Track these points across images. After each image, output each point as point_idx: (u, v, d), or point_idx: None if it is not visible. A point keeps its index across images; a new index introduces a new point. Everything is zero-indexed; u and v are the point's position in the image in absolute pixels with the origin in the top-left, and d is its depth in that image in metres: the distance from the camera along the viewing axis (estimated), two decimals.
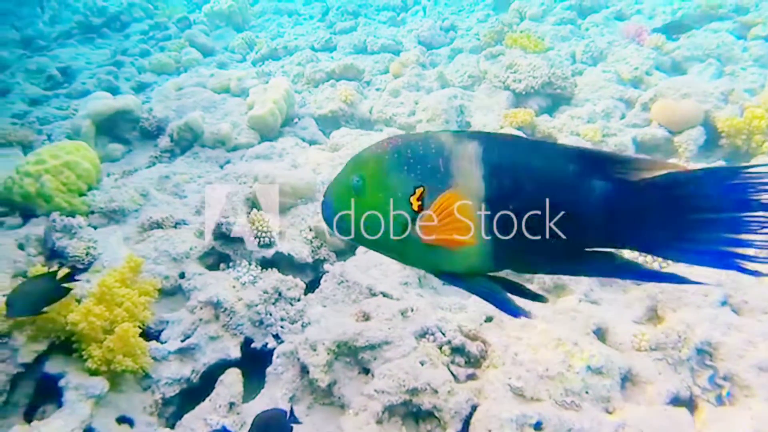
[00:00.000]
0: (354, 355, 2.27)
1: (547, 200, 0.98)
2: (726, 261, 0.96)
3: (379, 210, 1.00)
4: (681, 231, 0.98)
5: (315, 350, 2.26)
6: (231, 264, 2.80)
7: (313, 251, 2.84)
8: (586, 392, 2.06)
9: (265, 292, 2.51)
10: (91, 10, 7.69)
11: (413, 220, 0.98)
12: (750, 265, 0.94)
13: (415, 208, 0.98)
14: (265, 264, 2.78)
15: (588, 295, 2.56)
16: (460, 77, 4.75)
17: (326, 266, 2.75)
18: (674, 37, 4.88)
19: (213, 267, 2.87)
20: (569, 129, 4.01)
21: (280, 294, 2.53)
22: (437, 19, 6.38)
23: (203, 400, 2.26)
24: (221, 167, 3.73)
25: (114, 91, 5.46)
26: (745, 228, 0.94)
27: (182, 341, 2.44)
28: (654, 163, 0.98)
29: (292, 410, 1.95)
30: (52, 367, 2.27)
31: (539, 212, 0.98)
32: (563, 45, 5.37)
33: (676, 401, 2.10)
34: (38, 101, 5.52)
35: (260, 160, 3.60)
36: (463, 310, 2.52)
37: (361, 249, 2.81)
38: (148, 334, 2.45)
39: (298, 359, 2.28)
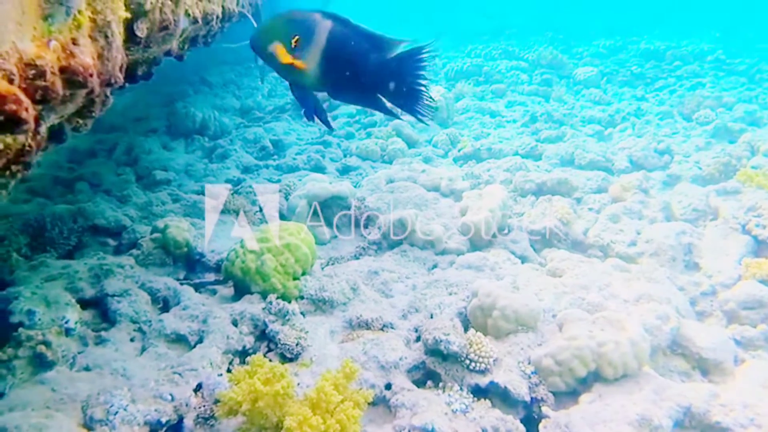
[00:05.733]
0: None
1: (351, 58, 2.09)
2: (412, 112, 2.24)
3: (278, 41, 2.00)
4: (395, 89, 2.21)
5: None
6: (440, 384, 2.62)
7: (530, 388, 2.58)
8: None
9: (484, 431, 2.28)
10: None
11: (289, 51, 2.00)
12: (422, 118, 2.25)
13: (293, 45, 1.99)
14: (477, 392, 2.57)
15: None
16: (683, 209, 4.38)
17: (545, 409, 2.48)
18: None
19: (419, 382, 2.71)
20: None
21: None
22: (652, 140, 6.05)
23: None
24: (428, 270, 3.63)
25: (321, 170, 5.69)
26: (417, 94, 2.22)
27: None
28: (399, 42, 2.13)
29: None
30: None
31: (348, 63, 2.10)
32: None
33: None
34: (250, 170, 5.87)
35: (471, 270, 3.45)
36: None
37: (586, 398, 2.52)
38: None
39: None
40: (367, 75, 2.13)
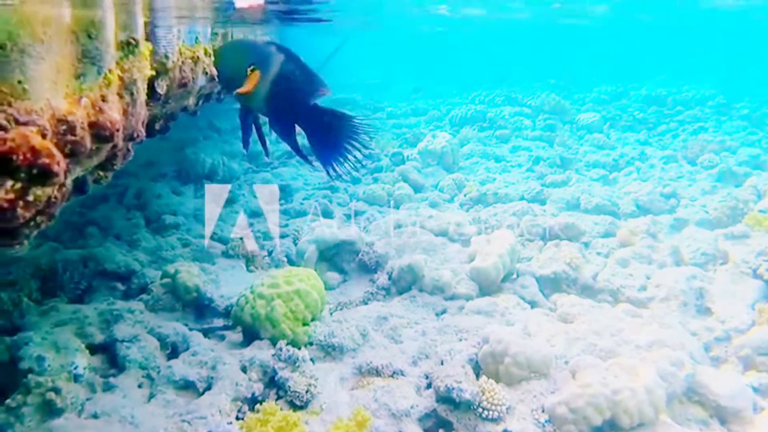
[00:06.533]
0: None
1: (290, 95, 2.27)
2: (327, 167, 2.44)
3: (236, 71, 2.23)
4: (319, 138, 2.41)
5: None
6: None
7: None
8: None
9: None
10: None
11: (245, 76, 2.22)
12: (336, 178, 2.51)
13: (250, 71, 2.21)
14: None
15: None
16: (692, 253, 4.36)
17: None
18: None
19: (431, 430, 2.67)
20: None
21: None
22: (657, 184, 6.08)
23: None
24: (437, 315, 3.61)
25: (329, 215, 5.71)
26: (343, 155, 2.43)
27: None
28: (324, 88, 2.34)
29: None
30: None
31: (286, 98, 2.28)
32: None
33: None
34: (257, 214, 5.89)
35: (481, 315, 3.43)
36: None
37: None
38: None
39: None
40: (297, 115, 2.38)
